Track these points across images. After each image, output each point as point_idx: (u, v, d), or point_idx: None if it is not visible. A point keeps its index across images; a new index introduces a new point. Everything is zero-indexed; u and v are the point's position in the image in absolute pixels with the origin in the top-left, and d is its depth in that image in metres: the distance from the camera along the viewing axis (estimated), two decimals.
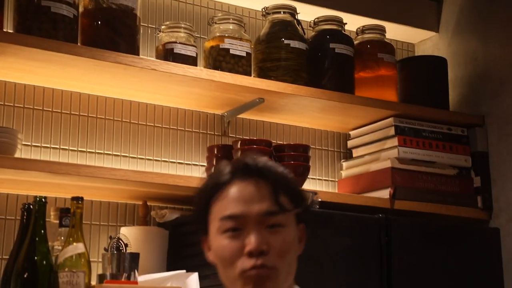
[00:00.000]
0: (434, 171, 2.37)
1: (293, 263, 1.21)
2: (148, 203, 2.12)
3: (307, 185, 2.31)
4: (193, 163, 2.28)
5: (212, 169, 1.24)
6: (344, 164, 2.50)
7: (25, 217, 1.81)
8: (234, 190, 1.19)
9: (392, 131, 2.35)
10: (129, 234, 1.98)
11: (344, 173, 2.49)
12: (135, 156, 2.20)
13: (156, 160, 2.22)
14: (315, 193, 2.07)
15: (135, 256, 1.87)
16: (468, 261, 2.14)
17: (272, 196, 1.18)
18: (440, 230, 2.15)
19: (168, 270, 1.98)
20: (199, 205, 1.23)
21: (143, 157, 2.21)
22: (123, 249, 1.87)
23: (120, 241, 1.88)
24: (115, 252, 1.85)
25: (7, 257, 1.83)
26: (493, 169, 2.42)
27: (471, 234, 2.19)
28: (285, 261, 1.18)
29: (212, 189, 1.21)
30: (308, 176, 2.26)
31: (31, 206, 1.80)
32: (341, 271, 1.96)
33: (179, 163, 2.26)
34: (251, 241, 1.15)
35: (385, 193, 2.27)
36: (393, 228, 2.05)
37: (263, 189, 1.18)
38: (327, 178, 2.50)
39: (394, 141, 2.33)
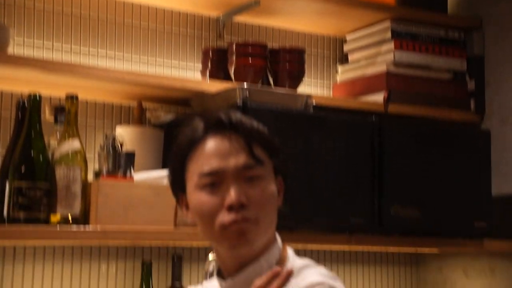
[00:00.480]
0: (429, 75, 2.36)
1: (274, 215, 1.20)
2: (143, 104, 2.12)
3: (302, 89, 2.31)
4: (188, 65, 2.27)
5: (185, 125, 1.23)
6: (340, 68, 2.49)
7: (19, 114, 1.81)
8: (209, 146, 1.18)
9: (388, 34, 2.32)
10: (125, 134, 1.99)
11: (339, 77, 2.48)
12: (130, 57, 2.18)
13: (151, 62, 2.21)
14: (309, 96, 2.07)
15: (130, 155, 1.88)
16: (459, 161, 2.17)
17: (247, 149, 1.17)
18: (432, 133, 2.17)
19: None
20: (175, 163, 1.22)
21: (138, 59, 2.19)
22: (118, 148, 1.88)
23: (116, 140, 1.89)
24: (111, 150, 1.87)
25: (4, 154, 1.86)
26: (488, 72, 2.40)
27: (463, 136, 2.21)
28: (266, 213, 1.17)
29: (186, 146, 1.20)
30: (303, 80, 2.26)
31: (25, 103, 1.80)
32: (334, 173, 1.98)
33: (174, 65, 2.25)
34: (231, 194, 1.15)
35: (379, 97, 2.27)
36: (386, 131, 2.07)
37: (238, 142, 1.17)
38: (322, 82, 2.50)
39: (390, 45, 2.31)
